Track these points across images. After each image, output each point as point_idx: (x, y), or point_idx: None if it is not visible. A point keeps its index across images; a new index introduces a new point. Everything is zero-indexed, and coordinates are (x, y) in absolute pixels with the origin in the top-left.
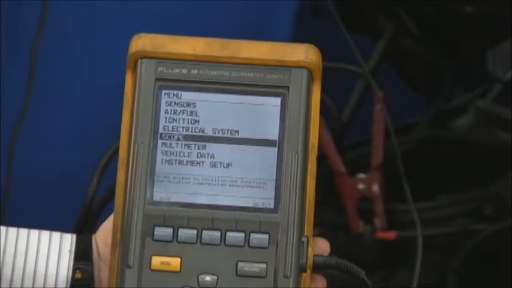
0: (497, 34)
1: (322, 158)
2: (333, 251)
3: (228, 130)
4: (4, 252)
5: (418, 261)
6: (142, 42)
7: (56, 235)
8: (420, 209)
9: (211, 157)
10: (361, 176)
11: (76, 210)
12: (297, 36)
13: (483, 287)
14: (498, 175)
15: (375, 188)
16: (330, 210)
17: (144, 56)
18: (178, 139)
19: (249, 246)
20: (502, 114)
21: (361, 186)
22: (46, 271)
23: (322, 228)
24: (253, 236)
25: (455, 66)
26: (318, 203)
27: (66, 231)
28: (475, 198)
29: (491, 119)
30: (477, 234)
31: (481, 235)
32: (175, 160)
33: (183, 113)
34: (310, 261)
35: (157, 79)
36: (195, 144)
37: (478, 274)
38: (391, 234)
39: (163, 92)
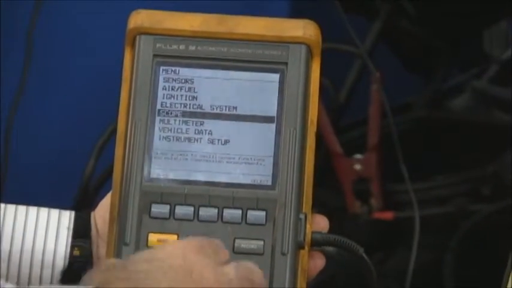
0: (494, 14)
1: (318, 139)
2: (330, 232)
3: (226, 106)
4: (2, 229)
5: (415, 242)
6: (140, 18)
7: (55, 212)
8: (417, 189)
9: (209, 134)
10: (358, 156)
11: (74, 190)
12: (293, 17)
13: (480, 267)
14: (495, 155)
15: (372, 168)
16: (327, 191)
17: (142, 32)
18: (176, 116)
19: (246, 223)
20: (498, 94)
21: (357, 166)
22: (44, 248)
23: (318, 209)
24: (250, 212)
25: (452, 46)
26: (314, 184)
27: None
28: (472, 178)
29: (488, 99)
30: (474, 214)
31: (478, 215)
32: (173, 137)
33: (181, 89)
34: (308, 238)
35: (155, 55)
36: (192, 121)
37: (475, 254)
38: (388, 215)
39: (161, 68)
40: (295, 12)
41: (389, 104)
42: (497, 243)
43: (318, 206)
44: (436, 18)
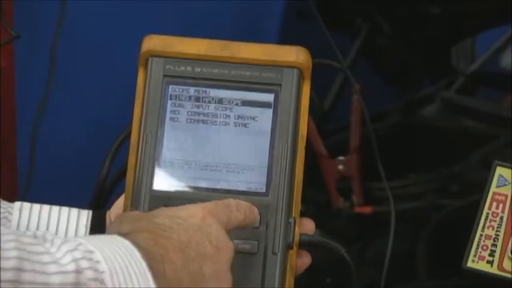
0: (460, 32)
1: (306, 143)
2: (316, 225)
3: (226, 122)
4: (28, 226)
5: (391, 233)
6: (153, 42)
7: (74, 211)
8: (393, 186)
9: (211, 145)
10: (341, 158)
11: (92, 188)
12: (283, 35)
13: (448, 254)
14: (461, 156)
15: (353, 168)
16: (313, 189)
17: (154, 54)
18: (183, 129)
19: None
20: (464, 103)
21: (340, 167)
22: None
23: (306, 205)
24: None
25: (424, 61)
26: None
27: (82, 206)
28: (441, 177)
29: (455, 108)
30: (443, 208)
31: (447, 209)
32: (180, 147)
33: (187, 106)
34: (296, 239)
35: (165, 75)
36: (197, 134)
37: (444, 243)
38: (367, 209)
39: (170, 87)
40: (285, 31)
41: (368, 111)
42: (465, 234)
43: (306, 202)
44: (410, 35)
